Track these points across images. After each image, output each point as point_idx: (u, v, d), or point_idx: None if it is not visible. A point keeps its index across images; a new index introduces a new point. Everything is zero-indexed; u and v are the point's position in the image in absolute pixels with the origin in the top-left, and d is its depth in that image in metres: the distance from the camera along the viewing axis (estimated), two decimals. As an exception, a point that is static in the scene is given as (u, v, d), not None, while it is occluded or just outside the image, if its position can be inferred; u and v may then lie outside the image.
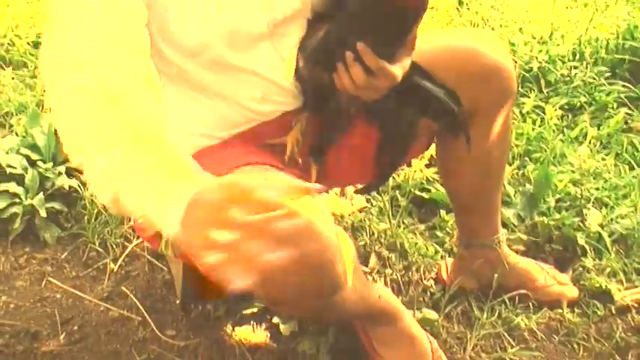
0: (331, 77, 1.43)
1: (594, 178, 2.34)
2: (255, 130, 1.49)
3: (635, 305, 1.92)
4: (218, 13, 1.34)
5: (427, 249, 2.06)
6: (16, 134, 2.49)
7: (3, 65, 3.03)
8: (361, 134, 1.60)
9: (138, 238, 2.04)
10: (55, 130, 2.41)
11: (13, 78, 2.94)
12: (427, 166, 2.29)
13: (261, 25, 1.40)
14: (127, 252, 2.03)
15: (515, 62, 2.71)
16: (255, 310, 1.84)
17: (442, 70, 1.55)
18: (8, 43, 3.15)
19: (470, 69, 1.60)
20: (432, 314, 1.85)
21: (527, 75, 2.73)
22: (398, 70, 1.41)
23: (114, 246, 2.08)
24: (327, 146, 1.56)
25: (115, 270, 2.01)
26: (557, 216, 2.13)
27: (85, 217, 2.14)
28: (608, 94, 2.69)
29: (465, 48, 1.63)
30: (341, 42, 1.40)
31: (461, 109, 1.54)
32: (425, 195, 2.24)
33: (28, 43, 3.13)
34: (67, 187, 2.18)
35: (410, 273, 2.01)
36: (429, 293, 1.95)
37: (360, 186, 1.74)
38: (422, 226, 2.17)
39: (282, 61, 1.45)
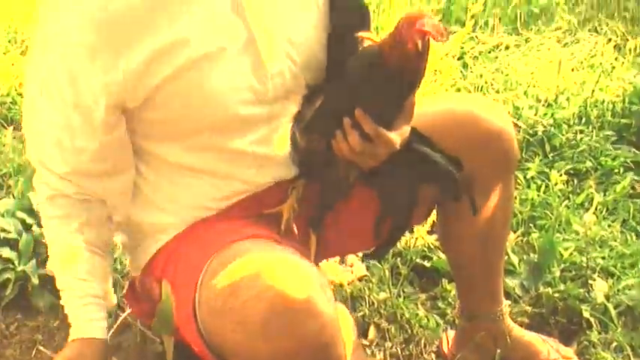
0: (329, 144, 1.41)
1: (600, 247, 2.30)
2: (250, 200, 1.46)
3: (643, 383, 1.86)
4: (207, 101, 1.33)
5: (428, 320, 2.01)
6: (13, 196, 2.47)
7: (4, 124, 3.02)
8: (360, 200, 1.58)
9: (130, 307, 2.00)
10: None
11: (14, 137, 2.92)
12: (429, 232, 2.25)
13: (255, 110, 1.38)
14: (119, 322, 1.98)
15: (520, 126, 2.69)
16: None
17: (442, 135, 1.53)
18: (10, 102, 3.15)
19: (470, 134, 1.58)
20: (433, 390, 1.80)
21: (531, 139, 2.70)
22: (396, 137, 1.40)
23: (106, 314, 2.03)
24: (325, 214, 1.53)
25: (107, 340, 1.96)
26: (563, 287, 2.09)
27: (79, 284, 2.09)
28: (614, 159, 2.66)
29: (465, 113, 1.61)
30: (338, 109, 1.38)
31: (462, 175, 1.51)
32: (426, 263, 2.19)
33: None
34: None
35: (410, 346, 1.95)
36: (430, 368, 1.90)
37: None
38: (423, 296, 2.12)
39: (279, 137, 1.43)
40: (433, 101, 1.63)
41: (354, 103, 1.36)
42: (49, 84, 1.32)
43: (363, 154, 1.37)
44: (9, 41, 3.54)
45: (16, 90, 3.20)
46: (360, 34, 1.43)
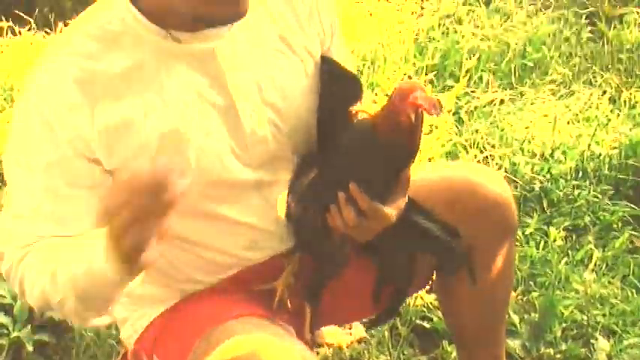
0: (324, 217, 1.39)
1: (601, 304, 2.28)
2: (242, 275, 1.44)
3: None
4: (195, 165, 1.32)
5: (429, 384, 1.98)
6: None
7: (1, 184, 3.01)
8: (357, 269, 1.56)
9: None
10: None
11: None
12: (428, 292, 2.23)
13: (242, 174, 1.37)
14: (114, 390, 1.96)
15: (517, 183, 2.68)
16: None
17: (438, 204, 1.52)
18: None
19: (467, 203, 1.57)
20: None
21: (528, 195, 2.69)
22: (392, 210, 1.38)
23: (101, 381, 2.01)
24: (321, 288, 1.51)
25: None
26: (564, 346, 2.07)
27: (74, 350, 2.07)
28: (612, 214, 2.65)
29: (461, 181, 1.60)
30: (332, 183, 1.37)
31: (460, 246, 1.50)
32: (426, 324, 2.17)
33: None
34: (56, 318, 2.11)
35: (411, 410, 1.92)
36: None
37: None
38: (423, 358, 2.09)
39: (271, 208, 1.41)
40: (427, 169, 1.62)
41: (348, 176, 1.34)
42: (27, 141, 1.30)
43: (359, 228, 1.36)
44: (5, 99, 3.55)
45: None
46: (353, 107, 1.42)
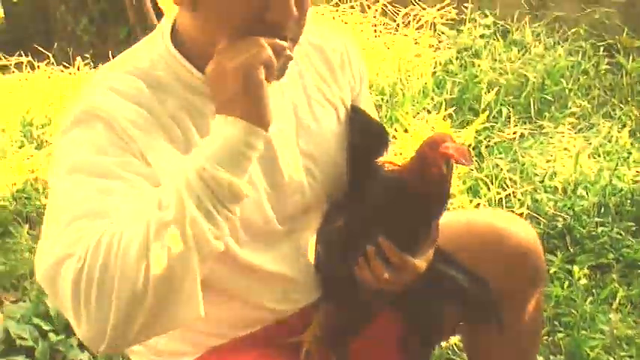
0: (351, 268, 1.38)
1: (627, 344, 2.24)
2: (269, 329, 1.42)
3: None
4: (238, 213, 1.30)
5: None
6: (29, 299, 2.45)
7: (20, 222, 3.02)
8: (384, 319, 1.53)
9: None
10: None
11: (28, 233, 2.92)
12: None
13: (278, 222, 1.36)
14: None
15: (540, 219, 2.66)
16: None
17: (464, 252, 1.49)
18: (26, 198, 3.16)
19: (494, 252, 1.54)
20: None
21: (552, 232, 2.67)
22: (421, 262, 1.37)
23: None
24: (349, 340, 1.49)
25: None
26: (591, 391, 2.03)
27: (95, 395, 2.07)
28: (635, 252, 2.62)
29: (488, 228, 1.58)
30: (361, 234, 1.35)
31: (488, 295, 1.48)
32: (451, 366, 2.14)
33: (47, 198, 3.12)
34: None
35: None
36: None
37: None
38: (449, 401, 2.07)
39: (301, 256, 1.40)
40: (451, 215, 1.59)
41: (376, 227, 1.33)
42: (87, 152, 1.21)
43: (388, 280, 1.35)
44: (24, 136, 3.58)
45: (31, 185, 3.22)
46: (381, 159, 1.41)
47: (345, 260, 1.37)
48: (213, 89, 1.19)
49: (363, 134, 1.43)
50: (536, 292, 1.61)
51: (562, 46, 4.01)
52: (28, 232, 2.92)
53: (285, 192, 1.37)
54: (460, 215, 1.69)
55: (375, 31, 4.25)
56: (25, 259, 2.73)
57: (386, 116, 3.36)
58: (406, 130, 3.20)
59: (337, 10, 4.40)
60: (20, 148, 3.48)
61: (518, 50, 3.98)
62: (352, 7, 4.38)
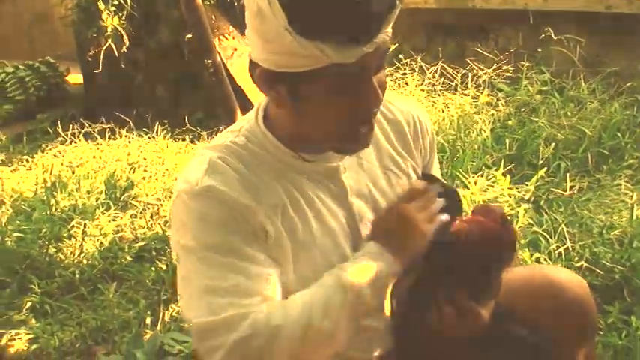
0: (422, 315, 1.53)
1: (686, 393, 2.32)
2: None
3: None
4: (312, 269, 1.47)
5: None
6: (119, 352, 2.64)
7: (107, 279, 3.22)
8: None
9: None
10: (157, 350, 2.56)
11: (116, 291, 3.12)
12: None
13: None
14: None
15: (598, 272, 2.76)
16: None
17: (519, 305, 1.62)
18: (112, 257, 3.36)
19: (548, 305, 1.65)
20: None
21: (609, 283, 2.76)
22: (485, 312, 1.51)
23: None
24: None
25: None
26: None
27: None
28: (693, 302, 2.70)
29: (542, 282, 1.69)
30: (433, 282, 1.52)
31: (544, 346, 1.61)
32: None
33: (131, 257, 3.34)
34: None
35: None
36: None
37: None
38: None
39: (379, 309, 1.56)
40: (510, 273, 1.73)
41: (448, 280, 1.50)
42: (216, 232, 1.41)
43: (455, 326, 1.50)
44: (109, 198, 3.82)
45: (117, 244, 3.43)
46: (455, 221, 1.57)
47: (418, 308, 1.54)
48: (384, 221, 1.49)
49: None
50: (589, 344, 1.73)
51: (617, 100, 4.12)
52: (115, 290, 3.12)
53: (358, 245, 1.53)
54: (517, 270, 1.82)
55: (435, 90, 4.43)
56: (115, 315, 2.92)
57: (446, 173, 3.51)
58: (467, 187, 3.35)
59: (398, 72, 4.59)
60: (107, 210, 3.71)
61: (575, 105, 4.09)
62: (413, 70, 4.57)
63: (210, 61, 3.54)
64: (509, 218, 1.47)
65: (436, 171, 1.73)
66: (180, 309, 1.52)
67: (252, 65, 1.41)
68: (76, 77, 5.69)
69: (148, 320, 2.85)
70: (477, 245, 1.51)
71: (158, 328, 2.80)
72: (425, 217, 1.48)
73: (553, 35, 4.40)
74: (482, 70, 4.45)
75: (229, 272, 1.38)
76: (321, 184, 1.51)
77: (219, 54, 3.94)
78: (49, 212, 3.70)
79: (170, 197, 3.64)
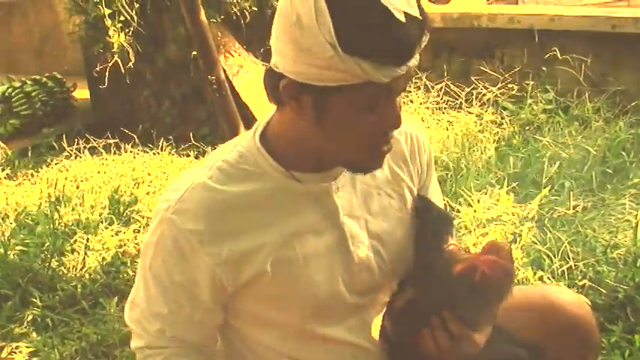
0: (416, 339, 1.52)
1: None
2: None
3: None
4: (308, 290, 1.48)
5: None
6: (121, 366, 2.64)
7: (109, 294, 3.22)
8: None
9: None
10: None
11: (117, 305, 3.11)
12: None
13: (348, 299, 1.52)
14: None
15: (601, 291, 2.75)
16: None
17: (519, 324, 1.62)
18: (115, 271, 3.36)
19: (549, 324, 1.65)
20: None
21: (613, 303, 2.75)
22: (481, 338, 1.50)
23: None
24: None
25: None
26: None
27: None
28: (698, 324, 2.68)
29: (542, 301, 1.69)
30: (427, 307, 1.50)
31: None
32: None
33: (133, 272, 3.33)
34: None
35: None
36: None
37: None
38: None
39: (368, 328, 1.56)
40: None
41: (442, 305, 1.48)
42: (159, 263, 1.48)
43: (448, 352, 1.48)
44: (112, 213, 3.82)
45: (119, 259, 3.43)
46: (448, 243, 1.56)
47: (410, 330, 1.53)
48: None
49: (429, 221, 1.59)
50: (589, 362, 1.72)
51: (622, 120, 4.11)
52: (116, 304, 3.12)
53: (354, 271, 1.53)
54: (517, 290, 1.80)
55: (439, 108, 4.43)
56: (115, 330, 2.91)
57: (450, 191, 3.50)
58: (470, 205, 3.34)
59: (403, 89, 4.57)
60: (110, 224, 3.71)
61: (579, 124, 4.09)
62: (417, 88, 4.57)
63: (214, 77, 3.55)
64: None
65: (434, 189, 1.72)
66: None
67: (274, 75, 1.38)
68: (82, 92, 5.71)
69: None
70: (491, 283, 1.49)
71: (158, 343, 2.78)
72: None
73: (559, 54, 4.41)
74: (487, 88, 4.46)
75: (161, 300, 1.50)
76: (313, 204, 1.49)
77: (225, 70, 3.96)
78: (52, 226, 3.70)
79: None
